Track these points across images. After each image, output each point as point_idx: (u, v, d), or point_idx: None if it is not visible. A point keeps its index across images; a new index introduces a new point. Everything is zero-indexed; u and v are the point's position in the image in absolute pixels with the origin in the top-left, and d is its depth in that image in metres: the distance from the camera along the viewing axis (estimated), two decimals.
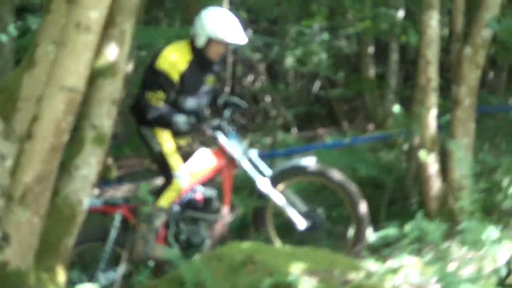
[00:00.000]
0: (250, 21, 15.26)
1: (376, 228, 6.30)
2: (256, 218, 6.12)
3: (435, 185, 6.44)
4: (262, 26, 15.98)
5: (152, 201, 5.68)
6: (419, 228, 4.87)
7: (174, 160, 6.01)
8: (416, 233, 5.09)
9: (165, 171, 6.10)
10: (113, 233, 5.93)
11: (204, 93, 6.21)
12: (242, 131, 16.34)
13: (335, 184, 5.92)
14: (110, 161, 13.25)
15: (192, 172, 6.04)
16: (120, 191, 12.68)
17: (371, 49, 13.05)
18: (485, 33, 6.66)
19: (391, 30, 10.96)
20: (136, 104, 6.35)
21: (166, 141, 6.05)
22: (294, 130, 14.91)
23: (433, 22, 6.56)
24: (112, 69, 5.41)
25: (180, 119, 5.85)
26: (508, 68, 9.42)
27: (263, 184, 5.83)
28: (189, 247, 5.89)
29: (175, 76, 5.88)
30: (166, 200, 5.89)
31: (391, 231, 4.30)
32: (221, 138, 5.98)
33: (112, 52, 5.42)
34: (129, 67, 6.91)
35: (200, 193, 6.08)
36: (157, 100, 5.85)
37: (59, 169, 4.65)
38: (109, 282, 5.83)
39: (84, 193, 5.17)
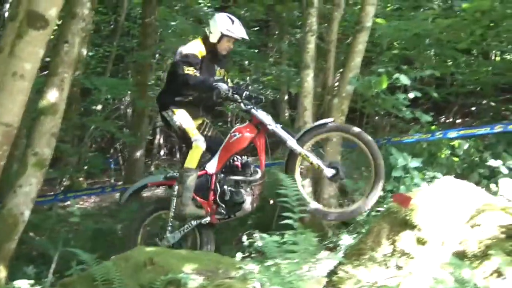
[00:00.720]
0: None
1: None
2: (287, 166, 5.76)
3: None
4: None
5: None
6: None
7: (191, 129, 5.78)
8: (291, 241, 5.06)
9: (186, 141, 5.87)
10: (173, 202, 5.85)
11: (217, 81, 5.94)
12: None
13: (352, 134, 5.60)
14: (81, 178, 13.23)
15: (226, 147, 5.89)
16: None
17: (285, 97, 13.25)
18: (349, 88, 6.79)
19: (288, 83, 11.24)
20: (161, 93, 6.32)
21: (182, 116, 5.81)
22: None
23: (309, 78, 6.64)
24: (52, 108, 5.49)
25: (222, 84, 5.62)
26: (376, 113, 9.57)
27: (293, 143, 5.58)
28: (233, 206, 5.73)
29: (199, 57, 5.79)
30: (191, 161, 5.71)
31: (273, 238, 4.22)
32: (254, 109, 5.77)
33: (53, 95, 5.51)
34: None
35: (238, 160, 5.88)
36: (192, 72, 5.66)
37: (7, 187, 4.66)
38: (175, 241, 5.82)
39: (25, 207, 5.23)
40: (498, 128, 7.09)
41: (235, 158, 5.86)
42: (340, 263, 3.66)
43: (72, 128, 11.94)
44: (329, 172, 5.45)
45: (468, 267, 3.10)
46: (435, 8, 8.52)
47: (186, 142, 5.92)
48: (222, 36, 5.77)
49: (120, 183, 12.01)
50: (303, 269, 3.11)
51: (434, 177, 6.07)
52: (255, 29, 14.38)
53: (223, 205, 5.71)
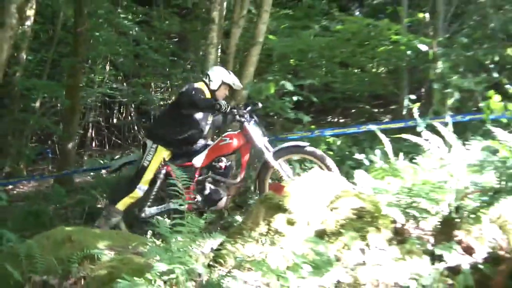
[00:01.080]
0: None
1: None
2: (259, 175, 6.01)
3: None
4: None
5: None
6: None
7: (146, 177, 5.95)
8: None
9: (136, 178, 6.00)
10: (158, 182, 6.00)
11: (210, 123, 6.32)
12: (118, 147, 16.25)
13: (318, 158, 5.81)
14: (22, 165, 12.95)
15: (215, 148, 6.06)
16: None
17: None
18: (244, 93, 7.03)
19: None
20: (157, 123, 6.83)
21: (157, 161, 5.98)
22: None
23: None
24: None
25: (222, 101, 5.80)
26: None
27: (269, 156, 5.83)
28: (210, 200, 5.90)
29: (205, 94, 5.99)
30: (124, 203, 5.94)
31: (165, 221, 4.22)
32: (245, 123, 5.95)
33: None
34: None
35: (223, 162, 6.01)
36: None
37: None
38: (151, 215, 5.91)
39: None
40: (363, 128, 7.51)
41: (221, 159, 6.01)
42: (224, 241, 3.85)
43: (13, 123, 12.09)
44: None
45: (323, 243, 3.36)
46: (315, 28, 8.85)
47: (136, 177, 6.01)
48: (222, 83, 6.09)
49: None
50: (190, 246, 3.30)
51: (311, 168, 6.29)
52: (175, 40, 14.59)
53: (201, 198, 5.89)
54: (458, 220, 3.57)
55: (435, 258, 3.23)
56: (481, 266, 3.18)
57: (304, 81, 7.86)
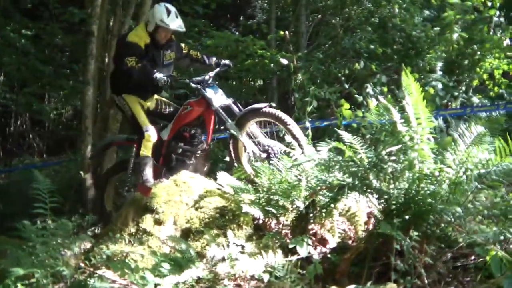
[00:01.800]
0: None
1: None
2: (231, 147, 5.12)
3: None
4: None
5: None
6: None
7: (141, 119, 5.01)
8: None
9: (138, 129, 5.07)
10: (131, 163, 5.23)
11: (167, 65, 5.23)
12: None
13: (280, 120, 4.79)
14: None
15: (178, 117, 5.19)
16: None
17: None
18: None
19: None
20: (111, 74, 5.40)
21: (133, 105, 5.05)
22: None
23: (89, 93, 6.47)
24: None
25: (159, 74, 4.80)
26: None
27: (231, 125, 4.93)
28: (175, 171, 4.71)
29: (142, 46, 4.93)
30: (145, 149, 4.92)
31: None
32: (202, 89, 5.02)
33: None
34: None
35: (187, 131, 5.20)
36: (133, 62, 4.81)
37: None
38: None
39: None
40: None
41: (185, 129, 5.24)
42: (96, 242, 3.60)
43: None
44: (260, 155, 4.85)
45: (184, 242, 3.22)
46: (190, 42, 8.74)
47: (137, 130, 5.14)
48: (157, 26, 4.98)
49: None
50: (56, 250, 3.01)
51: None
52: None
53: (169, 171, 5.03)
54: (311, 215, 3.54)
55: (291, 251, 3.18)
56: (329, 256, 3.15)
57: (177, 91, 7.69)
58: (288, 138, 4.68)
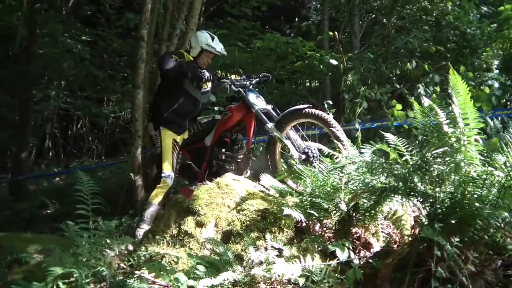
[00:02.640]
0: None
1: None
2: (268, 148, 5.11)
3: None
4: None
5: None
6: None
7: (166, 162, 5.00)
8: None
9: (158, 167, 5.13)
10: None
11: (204, 93, 5.35)
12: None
13: (322, 121, 4.67)
14: None
15: (219, 124, 5.32)
16: None
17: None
18: None
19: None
20: (151, 106, 5.54)
21: (167, 142, 5.07)
22: None
23: (139, 96, 6.53)
24: None
25: (205, 71, 4.88)
26: None
27: (271, 126, 4.91)
28: (216, 176, 4.55)
29: (187, 59, 5.13)
30: (156, 195, 4.91)
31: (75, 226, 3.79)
32: (243, 92, 5.13)
33: None
34: None
35: (228, 136, 5.30)
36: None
37: None
38: None
39: None
40: None
41: (227, 134, 5.33)
42: (139, 243, 3.64)
43: None
44: (299, 157, 4.77)
45: (222, 244, 3.20)
46: (240, 44, 8.77)
47: (158, 167, 5.19)
48: (202, 51, 5.17)
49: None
50: (98, 250, 3.06)
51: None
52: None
53: (211, 176, 4.96)
54: (354, 218, 3.46)
55: (332, 254, 3.11)
56: (370, 260, 3.07)
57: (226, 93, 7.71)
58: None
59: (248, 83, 5.32)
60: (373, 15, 10.41)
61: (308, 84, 12.13)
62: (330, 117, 4.73)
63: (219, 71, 5.61)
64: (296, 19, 13.97)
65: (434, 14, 8.30)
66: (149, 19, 6.79)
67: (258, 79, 5.50)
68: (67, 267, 2.73)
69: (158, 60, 5.30)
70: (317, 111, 4.79)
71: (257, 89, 5.36)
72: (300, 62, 8.20)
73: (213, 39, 5.21)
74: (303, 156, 4.77)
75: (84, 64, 12.40)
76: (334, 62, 7.37)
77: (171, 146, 5.09)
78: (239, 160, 5.33)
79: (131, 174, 6.47)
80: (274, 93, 9.62)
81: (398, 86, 7.26)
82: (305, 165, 4.13)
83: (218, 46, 5.20)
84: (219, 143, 5.35)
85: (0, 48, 14.76)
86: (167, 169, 4.99)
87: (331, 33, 8.15)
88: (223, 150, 5.31)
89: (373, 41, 8.95)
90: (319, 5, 13.51)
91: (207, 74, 4.90)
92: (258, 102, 5.15)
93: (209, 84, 5.37)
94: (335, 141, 4.37)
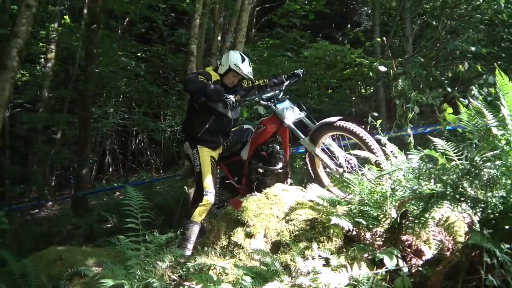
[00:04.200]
0: None
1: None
2: (309, 162, 4.91)
3: None
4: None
5: None
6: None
7: (206, 180, 4.90)
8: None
9: (199, 186, 5.01)
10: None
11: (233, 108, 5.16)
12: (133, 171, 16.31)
13: (352, 133, 4.52)
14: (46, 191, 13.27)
15: (254, 137, 5.18)
16: None
17: None
18: None
19: None
20: (184, 125, 5.31)
21: (205, 160, 4.98)
22: None
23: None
24: None
25: (230, 96, 4.75)
26: None
27: (305, 141, 4.80)
28: (257, 191, 4.63)
29: (213, 79, 5.00)
30: (198, 214, 4.81)
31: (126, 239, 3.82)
32: (273, 106, 4.99)
33: None
34: None
35: (265, 150, 5.14)
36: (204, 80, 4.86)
37: None
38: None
39: None
40: None
41: (263, 148, 5.18)
42: (191, 254, 3.71)
43: (38, 154, 12.61)
44: (336, 169, 4.62)
45: (269, 255, 3.22)
46: (289, 55, 8.81)
47: (198, 187, 5.06)
48: (229, 69, 5.02)
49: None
50: (147, 262, 3.14)
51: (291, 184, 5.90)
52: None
53: (251, 191, 4.87)
54: (404, 225, 3.41)
55: (382, 263, 3.07)
56: (420, 268, 3.01)
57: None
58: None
59: (277, 92, 5.17)
60: (425, 18, 10.23)
61: (363, 91, 12.02)
62: (359, 130, 4.54)
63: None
64: (348, 26, 13.88)
65: (487, 13, 8.06)
66: (198, 34, 6.95)
67: (288, 81, 5.33)
68: (119, 279, 2.81)
69: (184, 80, 5.18)
70: (347, 124, 4.63)
71: (287, 96, 5.20)
72: (350, 69, 8.15)
73: (243, 60, 5.07)
74: (340, 169, 4.61)
75: (139, 81, 12.77)
76: (382, 68, 7.26)
77: (209, 162, 5.02)
78: (279, 172, 5.18)
79: (185, 187, 6.61)
80: (325, 101, 9.60)
81: (449, 90, 7.08)
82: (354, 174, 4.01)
83: (245, 69, 5.03)
84: (255, 156, 5.23)
85: (61, 69, 15.51)
86: (208, 187, 4.90)
87: (379, 39, 8.06)
88: (261, 163, 5.20)
89: (424, 45, 8.78)
90: (370, 11, 13.38)
91: (232, 99, 4.76)
92: (289, 114, 4.99)
93: (236, 98, 5.10)
94: (368, 153, 4.21)
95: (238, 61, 5.00)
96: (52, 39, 13.12)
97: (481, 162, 3.01)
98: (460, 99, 6.78)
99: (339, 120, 4.70)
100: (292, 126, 4.94)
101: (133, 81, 12.91)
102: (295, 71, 5.42)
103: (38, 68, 15.02)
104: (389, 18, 12.30)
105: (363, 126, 4.67)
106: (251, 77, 5.13)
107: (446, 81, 7.19)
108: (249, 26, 9.44)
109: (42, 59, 15.06)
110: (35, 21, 8.25)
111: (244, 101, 5.08)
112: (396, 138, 6.50)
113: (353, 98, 10.42)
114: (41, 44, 12.96)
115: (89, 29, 11.57)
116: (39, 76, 14.28)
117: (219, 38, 7.79)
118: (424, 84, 7.30)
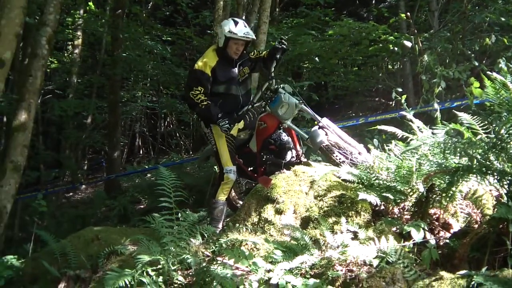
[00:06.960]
0: None
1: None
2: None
3: None
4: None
5: None
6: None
7: (224, 157, 4.82)
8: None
9: (219, 165, 4.93)
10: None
11: (243, 81, 5.00)
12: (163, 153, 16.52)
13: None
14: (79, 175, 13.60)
15: (257, 133, 5.02)
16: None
17: None
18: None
19: None
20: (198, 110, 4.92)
21: (220, 138, 4.84)
22: None
23: None
24: (23, 126, 5.59)
25: (223, 121, 4.58)
26: None
27: (307, 141, 4.75)
28: None
29: (208, 71, 4.68)
30: (221, 193, 4.80)
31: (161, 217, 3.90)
32: (267, 108, 4.85)
33: (23, 117, 5.60)
34: None
35: (273, 143, 4.93)
36: (199, 96, 4.67)
37: None
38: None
39: (7, 201, 5.40)
40: (361, 120, 7.38)
41: (270, 141, 4.98)
42: (223, 231, 3.80)
43: (70, 139, 12.92)
44: (341, 160, 4.47)
45: (299, 230, 3.30)
46: (314, 33, 8.78)
47: (219, 165, 4.98)
48: (227, 39, 4.70)
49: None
50: (182, 239, 3.25)
51: (315, 160, 5.85)
52: None
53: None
54: (431, 199, 3.45)
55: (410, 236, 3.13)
56: (448, 241, 3.06)
57: (303, 82, 7.77)
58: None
59: (264, 90, 4.94)
60: None
61: (390, 66, 11.91)
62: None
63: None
64: (373, 2, 13.71)
65: None
66: (222, 15, 6.97)
67: (279, 51, 4.92)
68: (154, 255, 2.93)
69: (185, 94, 5.07)
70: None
71: (281, 86, 4.99)
72: (374, 46, 8.10)
73: (236, 24, 4.75)
74: (345, 161, 4.50)
75: (165, 64, 12.85)
76: (408, 43, 7.19)
77: (225, 140, 4.88)
78: (292, 164, 4.84)
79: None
80: (351, 78, 9.54)
81: (476, 63, 6.99)
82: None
83: (241, 31, 4.69)
84: (265, 149, 5.05)
85: (88, 55, 15.70)
86: (228, 164, 4.83)
87: (403, 15, 7.98)
88: (272, 156, 5.02)
89: (450, 19, 8.65)
90: None
91: (226, 126, 4.62)
92: (285, 112, 4.85)
93: (246, 70, 5.00)
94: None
95: (232, 27, 4.71)
96: (78, 26, 13.27)
97: (507, 135, 3.03)
98: (488, 72, 6.71)
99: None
100: (292, 126, 4.90)
101: (160, 64, 12.99)
102: (277, 44, 5.00)
103: (66, 55, 15.21)
104: None
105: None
106: (250, 37, 4.80)
107: (473, 55, 7.11)
108: (272, 5, 9.37)
109: (70, 46, 15.23)
110: (62, 9, 8.39)
111: (238, 119, 4.92)
112: (424, 113, 6.49)
113: (380, 74, 10.37)
114: (68, 31, 13.09)
115: (114, 14, 11.69)
116: (67, 62, 14.47)
117: (243, 19, 7.81)
118: (451, 59, 7.22)
